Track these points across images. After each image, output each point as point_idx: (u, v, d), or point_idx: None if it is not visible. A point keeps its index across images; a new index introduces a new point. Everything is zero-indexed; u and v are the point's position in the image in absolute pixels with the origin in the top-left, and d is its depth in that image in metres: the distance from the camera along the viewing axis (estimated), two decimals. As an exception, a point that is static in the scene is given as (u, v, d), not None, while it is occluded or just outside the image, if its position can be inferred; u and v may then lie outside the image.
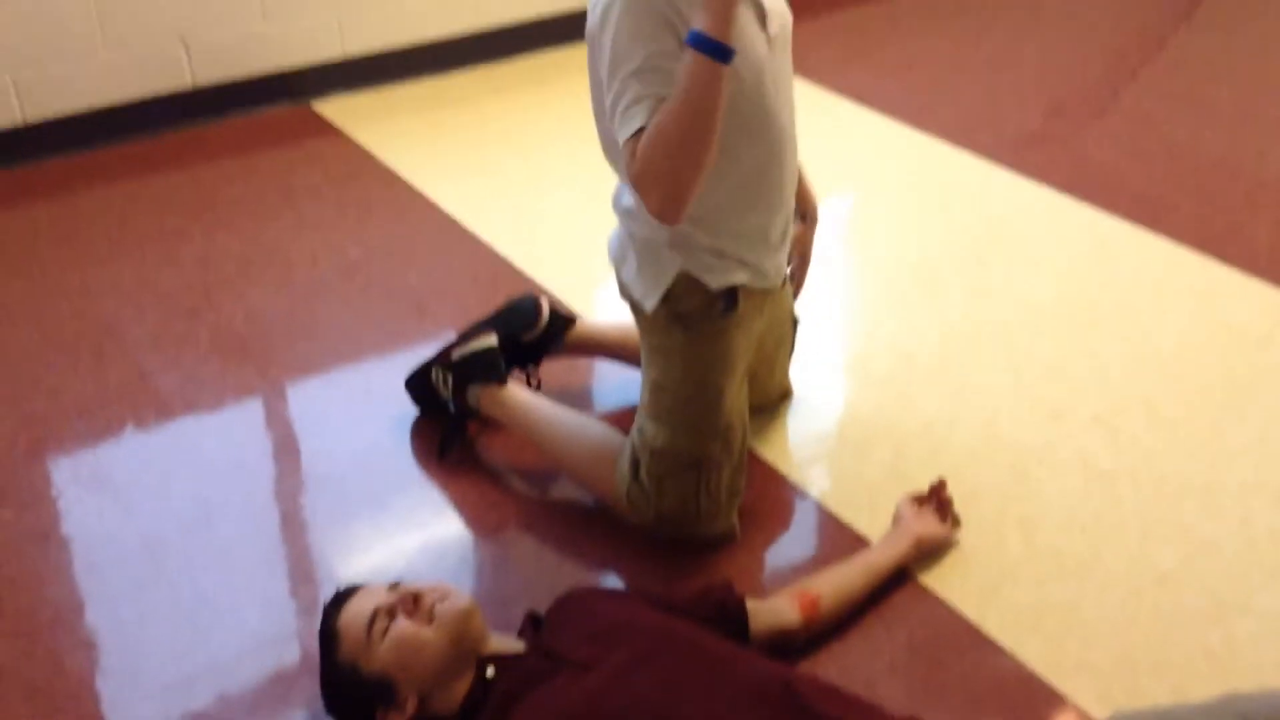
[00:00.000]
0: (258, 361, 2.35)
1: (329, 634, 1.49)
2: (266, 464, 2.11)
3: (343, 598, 1.52)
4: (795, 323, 2.13)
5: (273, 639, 1.76)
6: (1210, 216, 2.81)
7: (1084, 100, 3.47)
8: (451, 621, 1.46)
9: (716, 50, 1.51)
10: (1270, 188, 2.94)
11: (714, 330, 1.82)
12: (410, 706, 1.44)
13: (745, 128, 1.70)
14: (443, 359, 2.10)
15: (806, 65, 1.89)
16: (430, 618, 1.46)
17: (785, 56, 1.79)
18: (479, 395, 2.06)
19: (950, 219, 2.83)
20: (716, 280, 1.80)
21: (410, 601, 1.47)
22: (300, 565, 1.92)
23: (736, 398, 1.87)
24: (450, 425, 2.11)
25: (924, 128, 3.18)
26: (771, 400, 2.17)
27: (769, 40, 1.72)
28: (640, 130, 1.56)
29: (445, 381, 2.09)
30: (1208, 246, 2.68)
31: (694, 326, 1.81)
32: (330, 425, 2.19)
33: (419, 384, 2.16)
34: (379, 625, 1.45)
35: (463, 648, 1.46)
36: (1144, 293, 2.54)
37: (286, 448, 2.15)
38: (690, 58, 1.51)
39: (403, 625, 1.45)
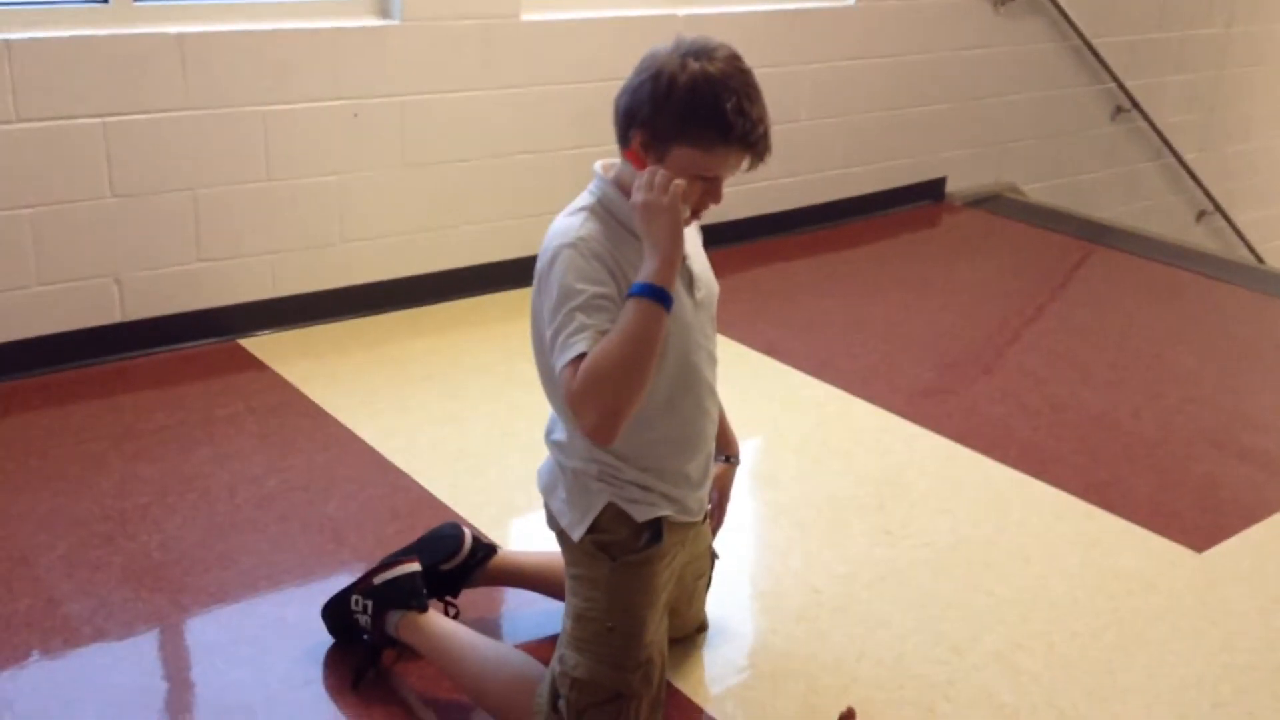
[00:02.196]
0: (171, 590, 2.34)
1: None
2: (175, 694, 2.07)
3: None
4: (714, 557, 2.21)
5: None
6: (1092, 468, 3.00)
7: (972, 359, 3.72)
8: None
9: (662, 296, 1.69)
10: (1147, 443, 3.16)
11: (638, 561, 1.89)
12: None
13: (674, 381, 1.87)
14: (363, 584, 2.12)
15: (721, 319, 2.07)
16: None
17: (709, 318, 1.98)
18: (398, 622, 2.07)
19: (853, 463, 2.98)
20: (642, 513, 1.88)
21: None
22: (205, 799, 1.87)
23: (657, 630, 1.92)
24: (365, 654, 2.10)
25: (826, 379, 3.38)
26: (688, 632, 2.22)
27: (695, 304, 1.91)
28: (581, 355, 1.68)
29: (364, 608, 2.10)
30: (1090, 495, 2.85)
31: (619, 557, 1.88)
32: (242, 656, 2.17)
33: (336, 611, 2.16)
34: None
35: None
36: (1035, 537, 2.68)
37: (197, 678, 2.12)
38: (635, 303, 1.69)
39: None
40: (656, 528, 1.89)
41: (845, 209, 4.82)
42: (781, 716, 2.05)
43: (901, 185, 5.01)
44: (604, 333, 1.70)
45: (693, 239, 1.97)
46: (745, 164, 1.78)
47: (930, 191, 5.14)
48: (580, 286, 1.74)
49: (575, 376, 1.68)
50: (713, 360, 1.98)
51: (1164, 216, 6.13)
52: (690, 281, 1.90)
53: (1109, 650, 2.28)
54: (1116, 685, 2.18)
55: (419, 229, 3.70)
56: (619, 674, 1.86)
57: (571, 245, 1.77)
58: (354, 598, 2.12)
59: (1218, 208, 6.37)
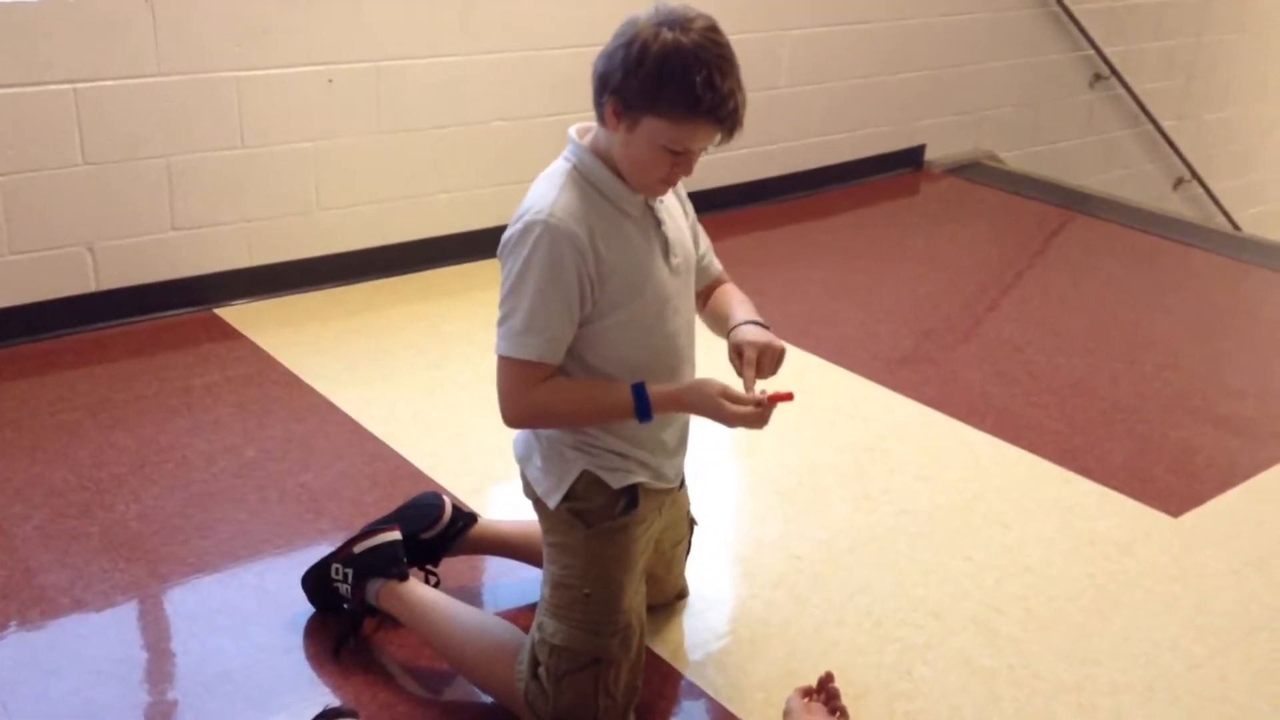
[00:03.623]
0: (149, 559, 2.33)
1: None
2: (155, 663, 2.07)
3: (340, 713, 1.58)
4: (693, 524, 2.21)
5: (155, 843, 1.70)
6: (1069, 434, 3.02)
7: (950, 326, 3.73)
8: None
9: (643, 410, 1.81)
10: (1124, 408, 3.18)
11: (614, 528, 1.89)
12: None
13: (650, 352, 1.87)
14: (343, 553, 2.12)
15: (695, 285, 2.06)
16: None
17: (686, 285, 1.97)
18: (379, 590, 2.07)
19: (833, 431, 2.99)
20: (618, 480, 1.88)
21: None
22: (186, 767, 1.88)
23: (635, 596, 1.93)
24: (346, 622, 2.10)
25: (805, 347, 3.38)
26: (668, 599, 2.22)
27: (671, 270, 1.90)
28: (528, 363, 1.78)
29: (345, 576, 2.10)
30: (1067, 461, 2.87)
31: (595, 524, 1.88)
32: (222, 625, 2.16)
33: (316, 580, 2.16)
34: None
35: None
36: (1013, 502, 2.69)
37: (177, 647, 2.12)
38: (625, 395, 1.80)
39: None
40: (632, 494, 1.89)
41: (824, 177, 4.82)
42: (761, 681, 2.06)
43: (880, 153, 5.01)
44: (554, 342, 1.77)
45: (672, 204, 1.96)
46: (716, 139, 1.76)
47: (909, 159, 5.14)
48: (542, 282, 1.75)
49: (517, 383, 1.80)
50: (690, 328, 1.97)
51: (1141, 184, 6.15)
52: (665, 248, 1.89)
53: (1085, 613, 2.31)
54: (1092, 648, 2.20)
55: (396, 196, 3.68)
56: (597, 640, 1.87)
57: (545, 221, 1.75)
58: (334, 566, 2.12)
59: (1195, 175, 6.39)
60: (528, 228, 1.76)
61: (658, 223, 1.89)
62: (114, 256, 3.24)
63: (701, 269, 2.06)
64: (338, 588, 2.11)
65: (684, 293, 1.95)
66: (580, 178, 1.81)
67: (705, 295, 2.08)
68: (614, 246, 1.80)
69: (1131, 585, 2.41)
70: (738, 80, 1.72)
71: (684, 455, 2.03)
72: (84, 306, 3.23)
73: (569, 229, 1.75)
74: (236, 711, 1.95)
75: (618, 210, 1.82)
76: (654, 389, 1.82)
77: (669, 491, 2.00)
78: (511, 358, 1.79)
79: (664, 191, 1.85)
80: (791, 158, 4.67)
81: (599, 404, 1.84)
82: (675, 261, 1.91)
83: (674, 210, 1.98)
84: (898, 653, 2.16)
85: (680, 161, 1.77)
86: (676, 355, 1.93)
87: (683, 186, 2.01)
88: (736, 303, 2.01)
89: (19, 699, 1.94)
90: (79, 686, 1.98)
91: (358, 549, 2.10)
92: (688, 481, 2.13)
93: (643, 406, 1.81)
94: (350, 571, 2.09)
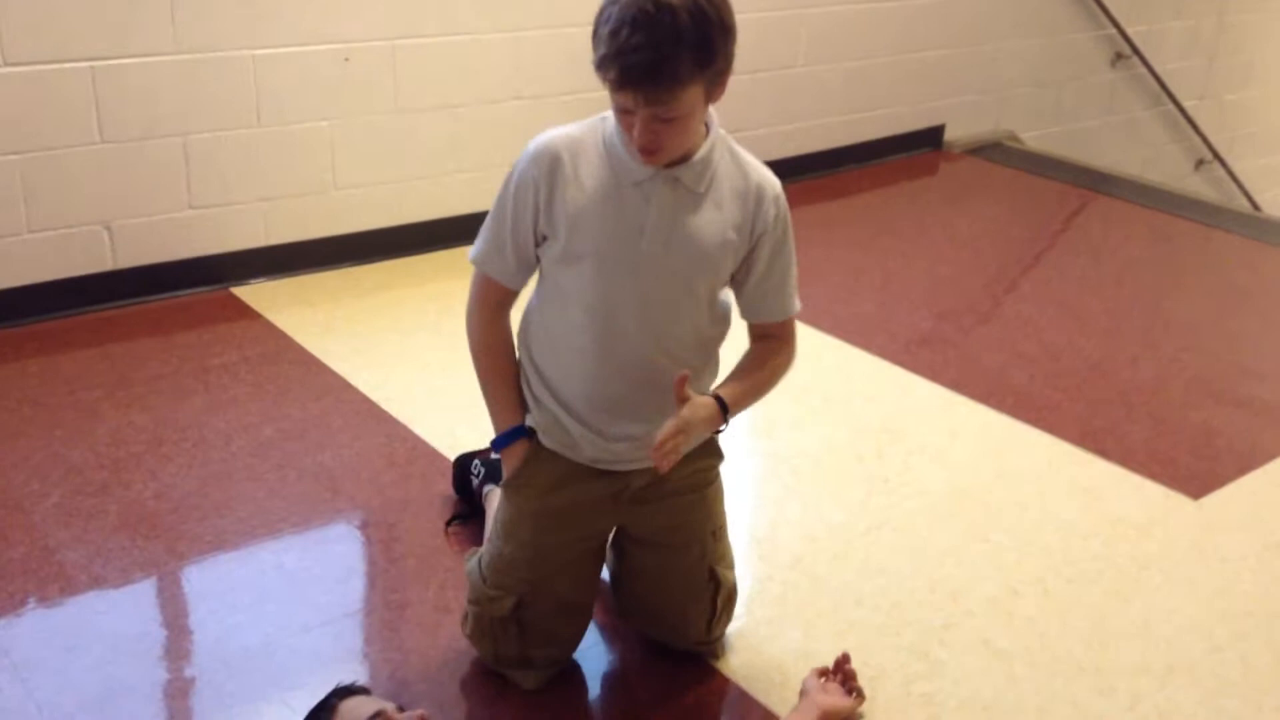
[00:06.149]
0: (167, 537, 2.33)
1: (324, 709, 1.59)
2: (173, 640, 2.08)
3: (352, 690, 1.62)
4: (715, 578, 2.01)
5: (174, 819, 1.70)
6: (1088, 415, 3.00)
7: (969, 307, 3.71)
8: None
9: (496, 441, 1.93)
10: (1143, 390, 3.16)
11: (509, 481, 1.93)
12: None
13: (590, 311, 1.80)
14: (483, 454, 2.40)
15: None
16: None
17: (671, 274, 1.78)
18: (487, 493, 2.31)
19: (851, 412, 2.97)
20: (532, 418, 1.91)
21: None
22: (204, 744, 1.88)
23: (532, 569, 1.91)
24: (464, 507, 2.42)
25: (823, 328, 3.37)
26: (687, 646, 2.06)
27: (641, 253, 1.76)
28: (477, 269, 1.90)
29: (479, 473, 2.39)
30: (1087, 442, 2.85)
31: (510, 482, 1.93)
32: (240, 603, 2.17)
33: (462, 466, 2.44)
34: None
35: None
36: (1032, 484, 2.68)
37: (194, 624, 2.12)
38: (507, 420, 1.91)
39: None
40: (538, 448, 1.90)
41: (842, 157, 4.79)
42: (778, 662, 2.06)
43: (900, 133, 4.97)
44: (493, 252, 1.85)
45: (728, 204, 1.80)
46: (631, 99, 1.62)
47: (928, 139, 5.10)
48: (503, 194, 1.83)
49: (473, 296, 1.93)
50: (672, 315, 1.81)
51: (1163, 164, 6.10)
52: (640, 228, 1.75)
53: (1104, 596, 2.29)
54: (1111, 630, 2.19)
55: (413, 176, 3.67)
56: (480, 581, 1.96)
57: (535, 145, 1.78)
58: (475, 461, 2.41)
59: (1216, 156, 6.33)
60: (527, 147, 1.80)
61: (659, 201, 1.75)
62: (131, 235, 3.24)
63: (746, 300, 1.90)
64: (471, 479, 2.40)
65: (665, 278, 1.78)
66: (602, 127, 1.79)
67: (752, 335, 1.96)
68: (587, 190, 1.74)
69: (1151, 568, 2.39)
70: (662, 36, 1.57)
71: (621, 447, 1.86)
72: (101, 285, 3.24)
73: (542, 150, 1.76)
74: (255, 688, 1.96)
75: (614, 169, 1.75)
76: (513, 450, 1.90)
77: (605, 475, 1.88)
78: (473, 263, 1.89)
79: (648, 159, 1.70)
80: (809, 137, 4.64)
81: (493, 394, 1.92)
82: (647, 246, 1.76)
83: (721, 208, 1.79)
84: (915, 634, 2.15)
85: (636, 124, 1.65)
86: (607, 329, 1.79)
87: (781, 206, 1.84)
88: (738, 375, 1.87)
89: (39, 674, 1.96)
90: (98, 662, 1.99)
91: (494, 455, 2.26)
92: (717, 531, 2.03)
93: (500, 438, 1.92)
94: (483, 471, 2.37)
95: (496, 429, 1.93)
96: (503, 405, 1.92)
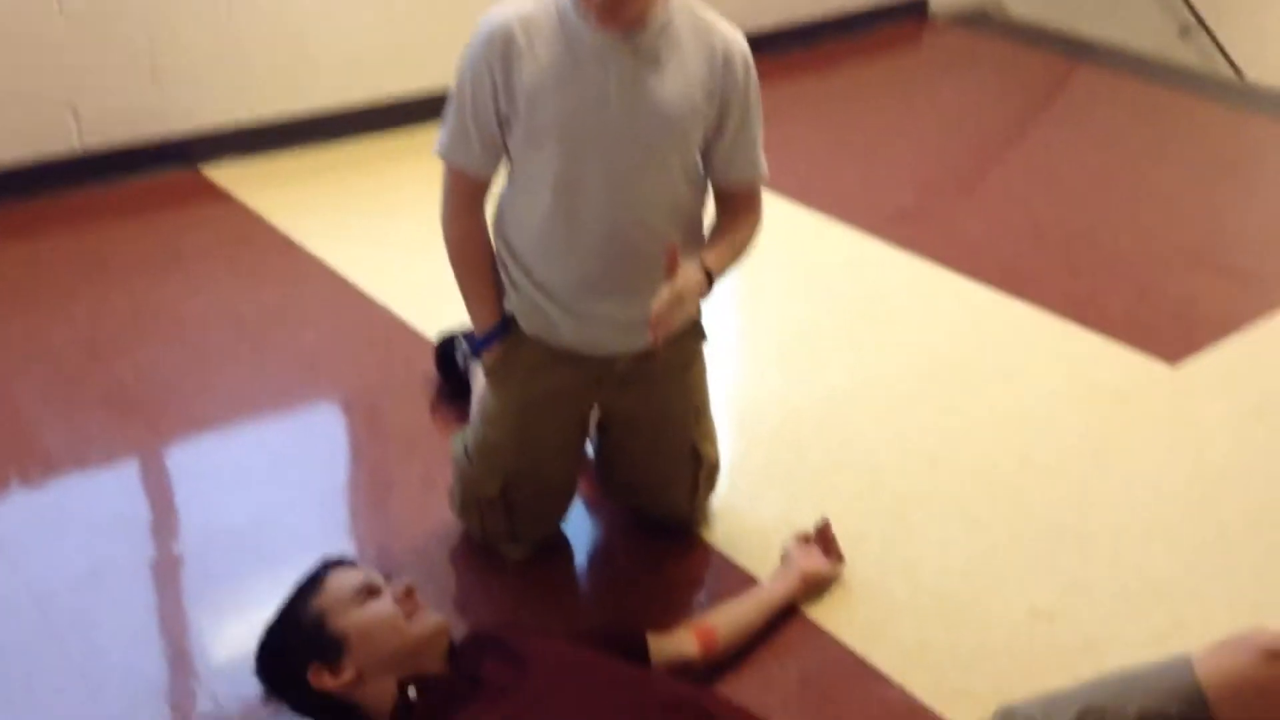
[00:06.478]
0: (148, 417, 2.33)
1: (313, 581, 1.55)
2: (159, 520, 2.09)
3: (340, 563, 1.59)
4: (698, 456, 2.02)
5: (166, 694, 1.73)
6: (1071, 285, 3.00)
7: (953, 180, 3.67)
8: (427, 628, 1.52)
9: (479, 342, 1.92)
10: (1125, 259, 3.15)
11: (487, 364, 1.92)
12: (346, 676, 1.46)
13: (552, 188, 1.76)
14: (468, 334, 2.33)
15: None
16: (412, 614, 1.52)
17: (636, 137, 1.75)
18: (473, 367, 2.26)
19: (832, 286, 2.96)
20: (510, 302, 1.89)
21: (403, 592, 1.54)
22: (193, 620, 1.90)
23: (515, 454, 1.91)
24: (453, 383, 2.39)
25: (806, 203, 3.33)
26: (672, 523, 2.08)
27: (605, 124, 1.72)
28: (444, 162, 1.85)
29: (465, 351, 2.38)
30: (1069, 312, 2.85)
31: (493, 372, 1.92)
32: (223, 481, 2.18)
33: (447, 342, 2.42)
34: (367, 595, 1.52)
35: (419, 656, 1.50)
36: (1013, 354, 2.69)
37: (178, 503, 2.13)
38: (486, 320, 1.88)
39: (387, 604, 1.52)
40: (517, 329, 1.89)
41: (822, 28, 4.68)
42: (760, 528, 2.08)
43: (883, 3, 4.86)
44: (457, 141, 1.79)
45: (693, 65, 1.75)
46: None
47: (912, 9, 4.99)
48: (460, 80, 1.76)
49: (445, 192, 1.88)
50: (643, 185, 1.77)
51: (1147, 31, 5.99)
52: (604, 101, 1.71)
53: (1083, 462, 2.32)
54: (1090, 495, 2.22)
55: (388, 47, 3.56)
56: (466, 463, 1.97)
57: (486, 26, 1.72)
58: (460, 336, 2.38)
59: (1200, 21, 6.22)
60: (480, 25, 1.74)
61: (619, 69, 1.71)
62: (97, 115, 3.16)
63: (714, 162, 1.85)
64: (457, 357, 2.38)
65: (625, 153, 1.74)
66: (554, 5, 1.72)
67: (719, 201, 1.91)
68: (543, 64, 1.70)
69: (1130, 433, 2.41)
70: None
71: (599, 329, 1.85)
72: (68, 167, 3.17)
73: (495, 30, 1.71)
74: (241, 564, 1.98)
75: (569, 40, 1.71)
76: (493, 354, 1.89)
77: (586, 360, 1.87)
78: (440, 157, 1.84)
79: (607, 18, 1.66)
80: (786, 7, 4.53)
81: (471, 291, 1.89)
82: (609, 115, 1.72)
83: (686, 73, 1.74)
84: (894, 499, 2.18)
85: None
86: (592, 213, 1.76)
87: (749, 68, 1.80)
88: (713, 242, 1.84)
89: (27, 554, 1.97)
90: (85, 543, 2.00)
91: (475, 356, 2.25)
92: (700, 405, 2.04)
93: (481, 340, 1.90)
94: (467, 346, 2.35)
95: (477, 330, 1.91)
96: (482, 303, 1.89)
